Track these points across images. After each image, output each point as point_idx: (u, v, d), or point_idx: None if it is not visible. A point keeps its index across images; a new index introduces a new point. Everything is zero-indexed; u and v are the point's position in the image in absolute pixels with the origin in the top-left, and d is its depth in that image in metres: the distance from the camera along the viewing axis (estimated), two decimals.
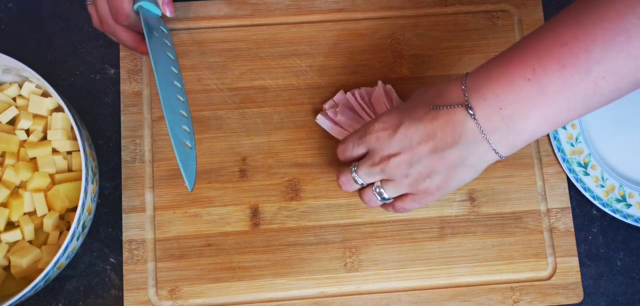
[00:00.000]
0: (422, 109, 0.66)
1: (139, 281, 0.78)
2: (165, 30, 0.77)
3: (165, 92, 0.69)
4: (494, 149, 0.63)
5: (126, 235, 0.80)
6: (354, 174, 0.72)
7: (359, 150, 0.71)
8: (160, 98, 0.68)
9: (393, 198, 0.71)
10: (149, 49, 0.71)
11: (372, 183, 0.72)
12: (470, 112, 0.62)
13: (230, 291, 0.79)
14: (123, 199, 0.80)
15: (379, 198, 0.71)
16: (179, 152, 0.67)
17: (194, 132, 0.80)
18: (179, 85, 0.73)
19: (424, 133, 0.65)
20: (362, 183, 0.72)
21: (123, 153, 0.82)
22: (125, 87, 0.83)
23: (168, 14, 0.76)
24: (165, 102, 0.68)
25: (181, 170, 0.67)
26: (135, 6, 0.73)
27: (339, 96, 0.82)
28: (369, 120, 0.75)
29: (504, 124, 0.62)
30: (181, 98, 0.72)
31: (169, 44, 0.76)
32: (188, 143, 0.69)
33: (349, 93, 0.81)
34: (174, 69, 0.73)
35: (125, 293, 0.78)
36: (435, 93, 0.66)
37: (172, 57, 0.75)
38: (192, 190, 0.68)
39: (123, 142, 0.82)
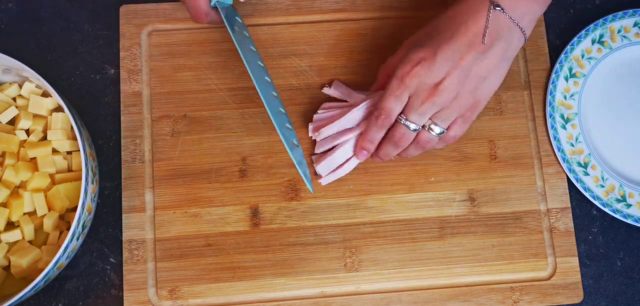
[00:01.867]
0: (449, 29, 0.70)
1: (139, 281, 0.78)
2: (240, 20, 0.80)
3: (265, 93, 0.74)
4: (524, 33, 0.70)
5: (126, 235, 0.80)
6: (405, 122, 0.72)
7: (404, 98, 0.71)
8: (263, 101, 0.74)
9: (445, 129, 0.73)
10: (237, 46, 0.75)
11: (422, 129, 0.73)
12: (498, 8, 0.68)
13: (230, 291, 0.79)
14: (123, 199, 0.80)
15: (435, 134, 0.73)
16: (295, 156, 0.74)
17: (195, 131, 0.81)
18: (268, 79, 0.77)
19: (464, 45, 0.68)
20: (416, 129, 0.72)
21: (123, 153, 0.82)
22: (125, 87, 0.83)
23: None
24: (268, 104, 0.74)
25: (302, 175, 0.75)
26: (213, 2, 0.77)
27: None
28: (394, 69, 0.74)
29: (528, 7, 0.69)
30: (274, 94, 0.76)
31: (247, 34, 0.79)
32: (294, 141, 0.75)
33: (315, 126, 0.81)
34: (260, 63, 0.77)
35: (125, 293, 0.78)
36: (456, 14, 0.70)
37: (253, 49, 0.78)
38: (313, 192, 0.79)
39: (123, 142, 0.82)
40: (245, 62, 0.75)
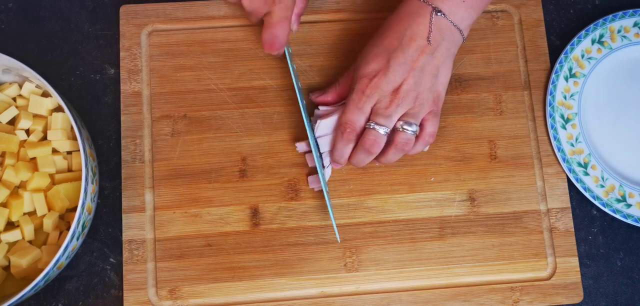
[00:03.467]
0: (396, 36, 0.74)
1: (139, 281, 0.78)
2: (290, 50, 0.82)
3: (310, 135, 0.78)
4: (462, 35, 0.75)
5: (126, 235, 0.80)
6: (374, 126, 0.74)
7: (366, 109, 0.74)
8: (312, 148, 0.78)
9: (419, 129, 0.76)
10: (294, 83, 0.79)
11: (395, 133, 0.75)
12: (440, 13, 0.73)
13: (230, 292, 0.79)
14: (123, 199, 0.80)
15: (410, 132, 0.74)
16: (330, 204, 0.78)
17: (195, 131, 0.81)
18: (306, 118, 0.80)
19: (414, 49, 0.73)
20: (386, 132, 0.74)
21: (123, 154, 0.82)
22: (125, 87, 0.83)
23: (294, 30, 0.81)
24: (315, 151, 0.78)
25: (333, 224, 0.78)
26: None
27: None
28: (351, 90, 0.77)
29: (466, 12, 0.74)
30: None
31: (295, 67, 0.83)
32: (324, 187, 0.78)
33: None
34: (303, 101, 0.80)
35: (125, 293, 0.78)
36: (400, 19, 0.74)
37: (299, 85, 0.81)
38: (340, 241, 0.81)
39: (123, 142, 0.82)
40: (302, 109, 0.78)
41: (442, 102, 0.76)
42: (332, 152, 0.78)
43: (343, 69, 0.84)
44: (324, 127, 0.78)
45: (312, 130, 0.79)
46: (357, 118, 0.74)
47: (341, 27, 0.86)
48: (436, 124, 0.76)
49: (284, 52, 0.80)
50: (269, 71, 0.84)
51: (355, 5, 0.87)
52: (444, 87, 0.75)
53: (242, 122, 0.83)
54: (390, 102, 0.73)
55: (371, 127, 0.74)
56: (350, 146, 0.76)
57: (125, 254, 0.79)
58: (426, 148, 0.79)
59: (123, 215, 0.80)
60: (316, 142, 0.79)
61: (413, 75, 0.72)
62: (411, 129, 0.74)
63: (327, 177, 0.81)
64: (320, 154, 0.79)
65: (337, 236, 0.79)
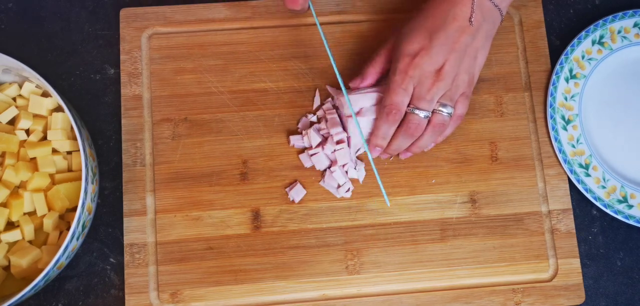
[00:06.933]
0: (439, 16, 0.74)
1: (141, 284, 0.78)
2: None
3: (348, 100, 0.78)
4: (501, 14, 0.76)
5: (127, 238, 0.79)
6: (416, 111, 0.74)
7: (410, 90, 0.74)
8: (351, 113, 0.77)
9: (453, 110, 0.76)
10: (322, 37, 0.78)
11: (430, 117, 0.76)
12: None
13: (231, 295, 0.78)
14: (124, 202, 0.80)
15: (446, 113, 0.75)
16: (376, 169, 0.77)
17: (195, 134, 0.81)
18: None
19: (455, 30, 0.73)
20: (427, 116, 0.74)
21: (124, 157, 0.81)
22: (125, 91, 0.83)
23: None
24: (355, 119, 0.77)
25: (381, 188, 0.78)
26: None
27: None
28: (392, 64, 0.77)
29: None
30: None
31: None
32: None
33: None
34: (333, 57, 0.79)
35: (126, 297, 0.77)
36: (440, 1, 0.74)
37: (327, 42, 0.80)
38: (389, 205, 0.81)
39: (124, 145, 0.82)
40: (337, 73, 0.77)
41: (475, 84, 0.77)
42: (373, 134, 0.77)
43: (343, 71, 0.84)
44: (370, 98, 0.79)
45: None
46: (402, 100, 0.74)
47: (342, 29, 0.86)
48: (466, 106, 0.77)
49: (309, 7, 0.77)
50: (269, 74, 0.84)
51: (356, 7, 0.87)
52: (480, 69, 0.76)
53: (243, 125, 0.83)
54: (432, 83, 0.73)
55: (413, 111, 0.74)
56: (394, 127, 0.76)
57: (126, 257, 0.78)
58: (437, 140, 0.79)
59: (124, 219, 0.80)
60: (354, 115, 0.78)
61: (454, 56, 0.73)
62: (446, 111, 0.75)
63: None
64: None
65: (387, 199, 0.78)
